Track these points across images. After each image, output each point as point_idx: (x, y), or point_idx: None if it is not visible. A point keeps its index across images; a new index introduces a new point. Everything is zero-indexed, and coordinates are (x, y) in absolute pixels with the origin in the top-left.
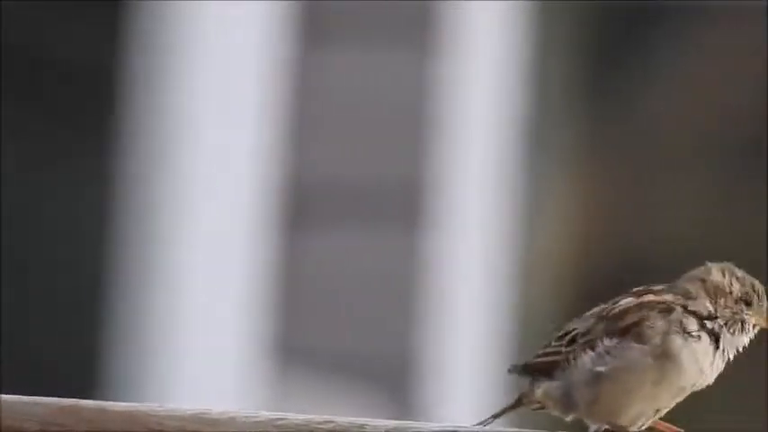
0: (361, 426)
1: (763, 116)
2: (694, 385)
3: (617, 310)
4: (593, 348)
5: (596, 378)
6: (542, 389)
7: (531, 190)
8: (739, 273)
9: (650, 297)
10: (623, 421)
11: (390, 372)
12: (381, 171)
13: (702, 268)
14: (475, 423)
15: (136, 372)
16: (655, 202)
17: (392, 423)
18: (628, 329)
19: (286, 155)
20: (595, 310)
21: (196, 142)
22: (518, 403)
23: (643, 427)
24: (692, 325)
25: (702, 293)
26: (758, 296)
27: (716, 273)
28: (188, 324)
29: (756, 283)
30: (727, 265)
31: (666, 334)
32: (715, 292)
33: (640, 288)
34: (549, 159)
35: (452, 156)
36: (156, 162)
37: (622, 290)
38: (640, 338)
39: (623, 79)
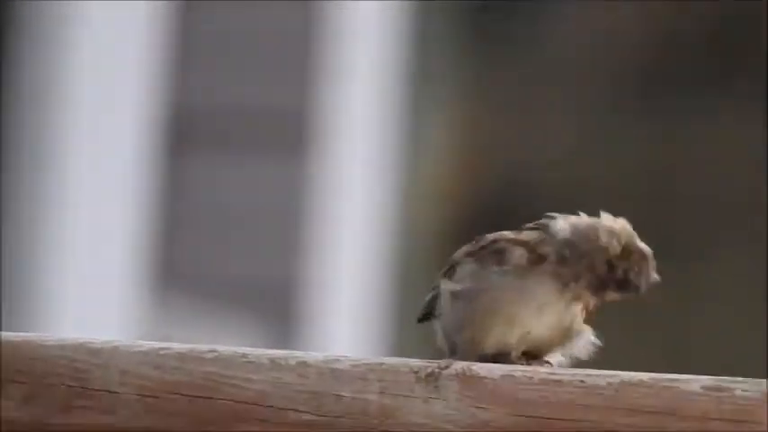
0: (244, 354)
1: (644, 48)
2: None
3: (483, 241)
4: (453, 274)
5: (456, 300)
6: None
7: (415, 120)
8: (628, 238)
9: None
10: (488, 347)
11: (275, 299)
12: (267, 99)
13: (594, 220)
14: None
15: (18, 301)
16: (536, 132)
17: (275, 352)
18: (489, 254)
19: (171, 82)
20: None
21: (79, 71)
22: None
23: (514, 358)
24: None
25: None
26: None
27: (603, 231)
28: (72, 252)
29: (639, 254)
30: (620, 226)
31: (522, 257)
32: (590, 248)
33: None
34: (433, 90)
35: (337, 85)
36: (38, 89)
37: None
38: (500, 262)
39: (505, 17)
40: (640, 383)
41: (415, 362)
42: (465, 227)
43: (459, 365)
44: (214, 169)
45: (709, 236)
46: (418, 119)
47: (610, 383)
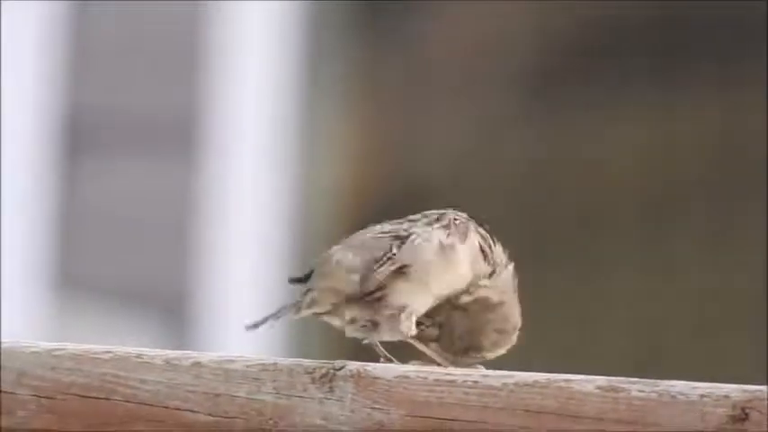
0: (139, 355)
1: (534, 47)
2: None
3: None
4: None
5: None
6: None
7: (308, 122)
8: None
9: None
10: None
11: (170, 300)
12: (160, 101)
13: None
14: (249, 324)
15: None
16: (429, 133)
17: (170, 353)
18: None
19: (65, 84)
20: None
21: None
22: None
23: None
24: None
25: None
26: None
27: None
28: None
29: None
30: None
31: (466, 232)
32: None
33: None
34: (326, 91)
35: (230, 87)
36: None
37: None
38: (446, 228)
39: (397, 16)
40: (535, 384)
41: (310, 362)
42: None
43: (353, 366)
44: (108, 171)
45: (599, 241)
46: (311, 120)
47: (505, 384)
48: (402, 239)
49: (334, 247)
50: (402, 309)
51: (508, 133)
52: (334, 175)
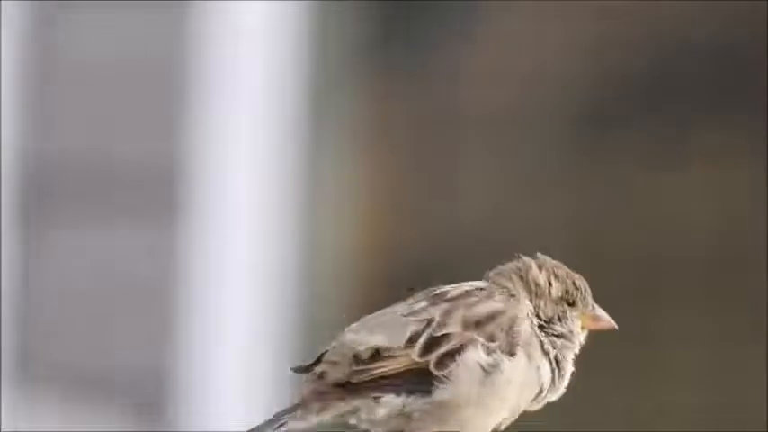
0: None
1: (582, 85)
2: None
3: (478, 309)
4: (473, 349)
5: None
6: (387, 406)
7: (310, 171)
8: (558, 269)
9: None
10: None
11: (144, 389)
12: (133, 153)
13: (519, 263)
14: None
15: None
16: (450, 190)
17: None
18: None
19: (24, 140)
20: (427, 307)
21: None
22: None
23: None
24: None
25: (523, 292)
26: (581, 294)
27: (534, 269)
28: None
29: (577, 278)
30: (545, 260)
31: (528, 344)
32: (535, 291)
33: (460, 289)
34: (331, 133)
35: (216, 137)
36: None
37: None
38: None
39: (416, 42)
40: None
41: None
42: (376, 294)
43: None
44: (71, 234)
45: (652, 294)
46: (314, 168)
47: None
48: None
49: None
50: None
51: (549, 186)
52: (341, 234)
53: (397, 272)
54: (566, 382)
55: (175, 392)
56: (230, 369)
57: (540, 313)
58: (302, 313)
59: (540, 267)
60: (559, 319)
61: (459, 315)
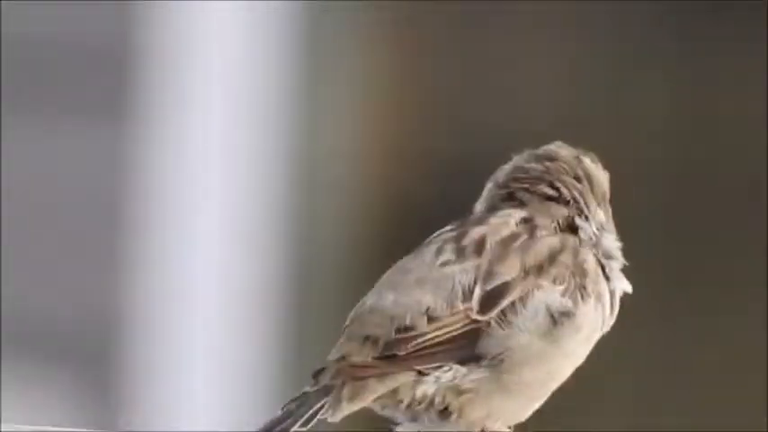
0: None
1: None
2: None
3: (536, 250)
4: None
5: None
6: (449, 377)
7: (304, 69)
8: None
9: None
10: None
11: (95, 340)
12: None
13: (545, 162)
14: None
15: None
16: (499, 80)
17: None
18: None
19: None
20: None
21: None
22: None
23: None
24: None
25: (557, 205)
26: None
27: (587, 162)
28: None
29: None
30: (572, 149)
31: (596, 276)
32: (581, 193)
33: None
34: (334, 19)
35: (187, 15)
36: None
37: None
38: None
39: None
40: None
41: None
42: (392, 229)
43: None
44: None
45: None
46: (315, 65)
47: None
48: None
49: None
50: (483, 425)
51: (620, 78)
52: (345, 148)
53: (413, 200)
54: (616, 310)
55: (130, 339)
56: (195, 308)
57: (593, 223)
58: (288, 236)
59: (583, 156)
60: (603, 226)
61: (514, 260)
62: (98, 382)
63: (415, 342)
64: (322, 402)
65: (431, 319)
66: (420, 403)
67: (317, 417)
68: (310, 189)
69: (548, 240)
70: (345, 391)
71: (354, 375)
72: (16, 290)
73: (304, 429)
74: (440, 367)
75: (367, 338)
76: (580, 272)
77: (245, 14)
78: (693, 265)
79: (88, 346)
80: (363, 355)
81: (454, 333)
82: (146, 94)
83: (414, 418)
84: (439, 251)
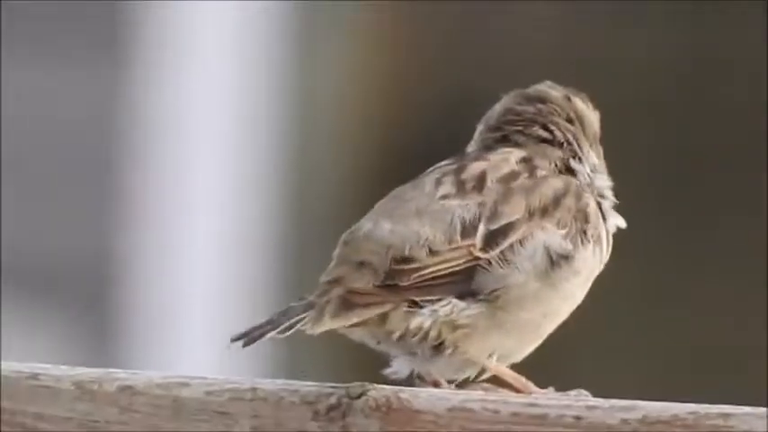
0: (34, 375)
1: None
2: None
3: (541, 192)
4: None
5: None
6: (447, 311)
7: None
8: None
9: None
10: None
11: (89, 280)
12: None
13: (536, 104)
14: (237, 335)
15: None
16: (484, 27)
17: (85, 373)
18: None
19: None
20: (467, 196)
21: None
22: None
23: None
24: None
25: (551, 147)
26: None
27: (579, 102)
28: None
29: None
30: (561, 88)
31: (597, 214)
32: (574, 134)
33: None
34: None
35: None
36: None
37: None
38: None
39: None
40: (674, 420)
41: (309, 387)
42: (393, 177)
43: (380, 392)
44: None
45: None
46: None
47: (625, 420)
48: (479, 219)
49: (363, 219)
50: (480, 360)
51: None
52: (339, 88)
53: (424, 151)
54: (611, 247)
55: (128, 280)
56: (197, 264)
57: (586, 165)
58: (283, 185)
59: (574, 97)
60: (595, 167)
61: (519, 201)
62: (95, 322)
63: (417, 274)
64: (305, 315)
65: (431, 252)
66: (414, 335)
67: (296, 327)
68: (305, 135)
69: (552, 182)
70: (330, 308)
71: (353, 301)
72: (13, 230)
73: (281, 336)
74: (438, 300)
75: (362, 264)
76: (582, 216)
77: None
78: (693, 208)
79: (85, 286)
80: (361, 282)
81: (456, 268)
82: (144, 35)
83: (407, 352)
84: (438, 183)
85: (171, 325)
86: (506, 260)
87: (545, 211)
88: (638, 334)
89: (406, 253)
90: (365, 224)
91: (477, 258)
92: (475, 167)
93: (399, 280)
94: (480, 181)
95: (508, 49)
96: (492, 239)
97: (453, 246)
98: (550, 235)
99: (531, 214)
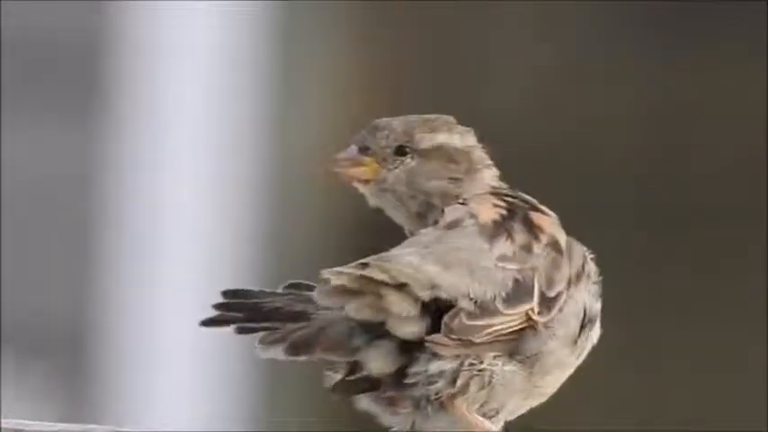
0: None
1: None
2: None
3: (575, 255)
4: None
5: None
6: (492, 366)
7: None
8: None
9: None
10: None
11: (68, 340)
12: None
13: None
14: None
15: None
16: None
17: (62, 429)
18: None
19: None
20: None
21: None
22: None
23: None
24: None
25: None
26: None
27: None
28: None
29: None
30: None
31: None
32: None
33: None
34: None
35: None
36: None
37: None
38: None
39: None
40: None
41: None
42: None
43: None
44: None
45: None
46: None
47: None
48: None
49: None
50: (491, 412)
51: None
52: (317, 131)
53: None
54: None
55: (104, 334)
56: (172, 317)
57: None
58: (268, 227)
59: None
60: None
61: (565, 269)
62: (72, 376)
63: (487, 331)
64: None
65: (497, 312)
66: (431, 383)
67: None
68: (283, 182)
69: (576, 247)
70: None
71: (437, 351)
72: None
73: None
74: (494, 357)
75: (404, 286)
76: (593, 276)
77: (219, 10)
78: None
79: (61, 340)
80: (400, 305)
81: (515, 328)
82: (118, 90)
83: (410, 405)
84: (489, 239)
85: (152, 375)
86: (548, 326)
87: (578, 277)
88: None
89: (473, 308)
90: (407, 257)
91: (534, 322)
92: (521, 224)
93: (472, 335)
94: (528, 244)
95: (503, 62)
96: (548, 305)
97: (515, 308)
98: (586, 299)
99: (569, 281)
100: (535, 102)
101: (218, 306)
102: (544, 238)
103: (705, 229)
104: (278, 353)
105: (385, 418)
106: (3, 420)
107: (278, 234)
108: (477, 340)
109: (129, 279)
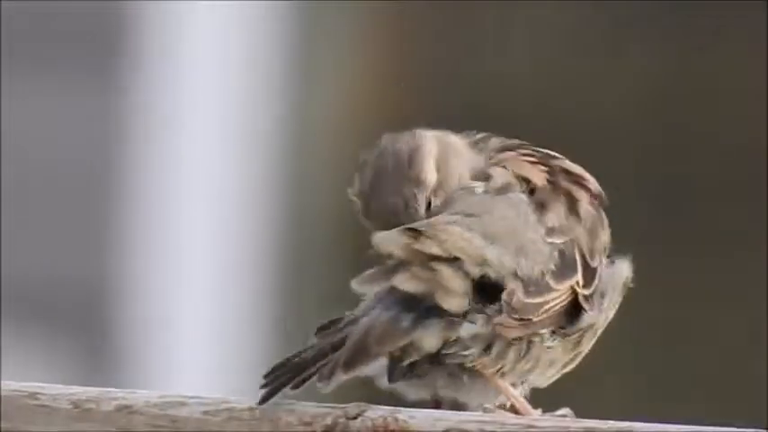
0: (33, 394)
1: None
2: None
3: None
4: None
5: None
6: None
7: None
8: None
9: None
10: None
11: (85, 303)
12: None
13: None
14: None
15: None
16: (475, 41)
17: (82, 391)
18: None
19: None
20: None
21: None
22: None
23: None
24: None
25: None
26: None
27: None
28: None
29: None
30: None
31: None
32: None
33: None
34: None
35: None
36: None
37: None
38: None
39: None
40: None
41: (307, 407)
42: None
43: (377, 413)
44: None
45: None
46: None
47: None
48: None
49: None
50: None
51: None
52: (344, 113)
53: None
54: None
55: (121, 310)
56: (192, 283)
57: None
58: (284, 202)
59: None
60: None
61: (603, 238)
62: (91, 340)
63: (544, 309)
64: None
65: (548, 288)
66: (467, 348)
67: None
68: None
69: (605, 219)
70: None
71: (503, 333)
72: (4, 250)
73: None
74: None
75: (456, 260)
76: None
77: (234, 13)
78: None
79: (76, 306)
80: (454, 280)
81: (565, 303)
82: (137, 52)
83: (442, 375)
84: (537, 209)
85: (168, 342)
86: (590, 298)
87: (606, 248)
88: (623, 348)
89: (530, 287)
90: (456, 226)
91: (578, 294)
92: (562, 199)
93: (531, 314)
94: (573, 215)
95: (509, 59)
96: (590, 277)
97: (564, 282)
98: (625, 267)
99: (605, 249)
100: (537, 95)
101: (265, 384)
102: (583, 204)
103: (706, 216)
104: (339, 378)
105: (410, 392)
106: (22, 383)
107: (298, 204)
108: (535, 318)
109: (147, 244)
